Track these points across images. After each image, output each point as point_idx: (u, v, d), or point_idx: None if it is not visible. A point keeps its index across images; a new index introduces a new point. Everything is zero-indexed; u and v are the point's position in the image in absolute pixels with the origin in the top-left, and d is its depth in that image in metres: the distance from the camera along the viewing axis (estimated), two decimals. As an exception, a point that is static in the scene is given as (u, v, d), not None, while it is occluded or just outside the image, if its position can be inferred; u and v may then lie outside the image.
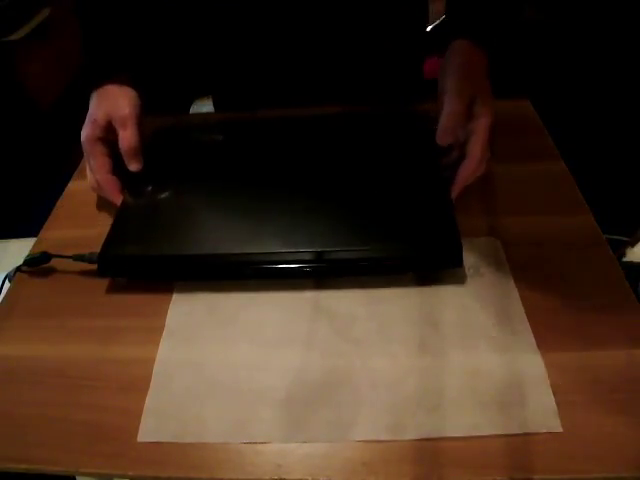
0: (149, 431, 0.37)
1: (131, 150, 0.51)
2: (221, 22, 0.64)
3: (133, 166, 0.51)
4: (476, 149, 0.48)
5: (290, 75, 0.67)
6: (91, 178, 0.52)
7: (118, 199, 0.51)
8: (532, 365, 0.39)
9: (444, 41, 0.55)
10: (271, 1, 0.60)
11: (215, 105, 0.78)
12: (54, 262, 0.50)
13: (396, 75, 0.69)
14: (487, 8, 0.55)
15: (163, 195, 0.52)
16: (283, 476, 0.35)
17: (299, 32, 0.63)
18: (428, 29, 0.73)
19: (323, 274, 0.46)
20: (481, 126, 0.48)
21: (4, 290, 0.49)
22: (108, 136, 0.51)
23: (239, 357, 0.42)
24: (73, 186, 0.60)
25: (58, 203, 0.58)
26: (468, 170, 0.49)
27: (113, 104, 0.51)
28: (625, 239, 1.09)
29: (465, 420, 0.36)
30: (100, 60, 0.55)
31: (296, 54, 0.65)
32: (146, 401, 0.39)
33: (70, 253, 0.48)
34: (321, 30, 0.63)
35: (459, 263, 0.44)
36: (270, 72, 0.68)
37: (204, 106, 1.15)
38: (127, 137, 0.50)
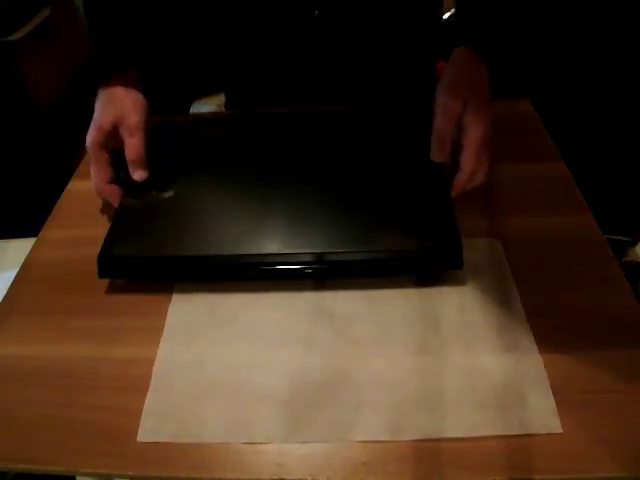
0: (149, 431, 0.38)
1: (137, 160, 0.50)
2: (232, 19, 0.64)
3: (137, 175, 0.51)
4: (468, 163, 0.48)
5: (302, 74, 0.67)
6: (94, 182, 0.52)
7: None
8: (532, 365, 0.39)
9: (449, 46, 0.55)
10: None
11: (227, 103, 0.78)
12: (54, 262, 0.50)
13: (409, 75, 0.69)
14: (492, 16, 0.55)
15: (162, 195, 0.51)
16: (283, 476, 0.35)
17: (311, 29, 0.63)
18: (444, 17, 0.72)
19: (324, 275, 0.46)
20: (472, 139, 0.48)
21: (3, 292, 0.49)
22: (112, 140, 0.51)
23: (239, 357, 0.42)
24: (73, 186, 0.60)
25: (58, 203, 0.58)
26: (460, 182, 0.49)
27: (120, 110, 0.50)
28: (625, 239, 1.08)
29: (465, 420, 0.36)
30: (108, 54, 0.54)
31: (308, 52, 0.64)
32: (146, 401, 0.39)
33: (70, 253, 0.48)
34: (334, 27, 0.63)
35: (460, 264, 0.44)
36: (283, 70, 0.67)
37: (203, 106, 1.15)
38: (134, 146, 0.50)
